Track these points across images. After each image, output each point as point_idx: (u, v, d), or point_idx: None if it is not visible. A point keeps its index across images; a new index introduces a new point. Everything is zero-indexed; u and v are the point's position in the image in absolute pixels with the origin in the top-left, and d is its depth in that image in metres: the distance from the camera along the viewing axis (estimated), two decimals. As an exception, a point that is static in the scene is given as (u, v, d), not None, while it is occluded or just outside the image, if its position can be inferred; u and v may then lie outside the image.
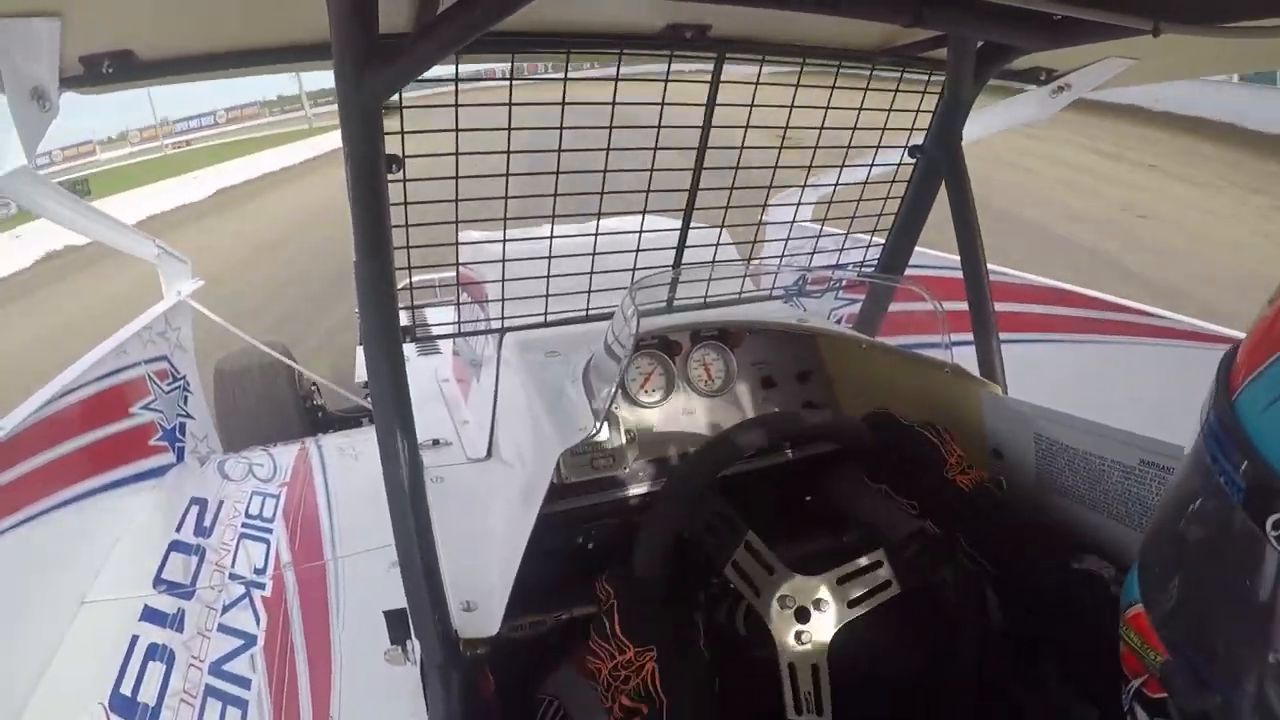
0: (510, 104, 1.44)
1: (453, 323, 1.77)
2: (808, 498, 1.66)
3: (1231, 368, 0.65)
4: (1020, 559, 1.22)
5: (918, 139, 1.83)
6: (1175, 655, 0.67)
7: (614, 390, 1.28)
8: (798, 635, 1.19)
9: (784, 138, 1.68)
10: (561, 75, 1.47)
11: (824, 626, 1.20)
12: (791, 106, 1.64)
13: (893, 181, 1.90)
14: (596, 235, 1.68)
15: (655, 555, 1.25)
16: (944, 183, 1.80)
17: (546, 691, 1.41)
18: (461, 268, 1.76)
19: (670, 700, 1.08)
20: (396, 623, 1.41)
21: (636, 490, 1.57)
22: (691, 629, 1.31)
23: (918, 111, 1.77)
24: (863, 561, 1.25)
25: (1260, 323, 0.63)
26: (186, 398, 2.72)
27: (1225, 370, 0.66)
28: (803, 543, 1.44)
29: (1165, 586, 0.69)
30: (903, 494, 1.35)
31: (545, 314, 1.74)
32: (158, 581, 1.91)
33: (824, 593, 1.22)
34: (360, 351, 2.28)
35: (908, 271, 1.98)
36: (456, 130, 1.42)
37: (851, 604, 1.22)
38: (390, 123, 1.24)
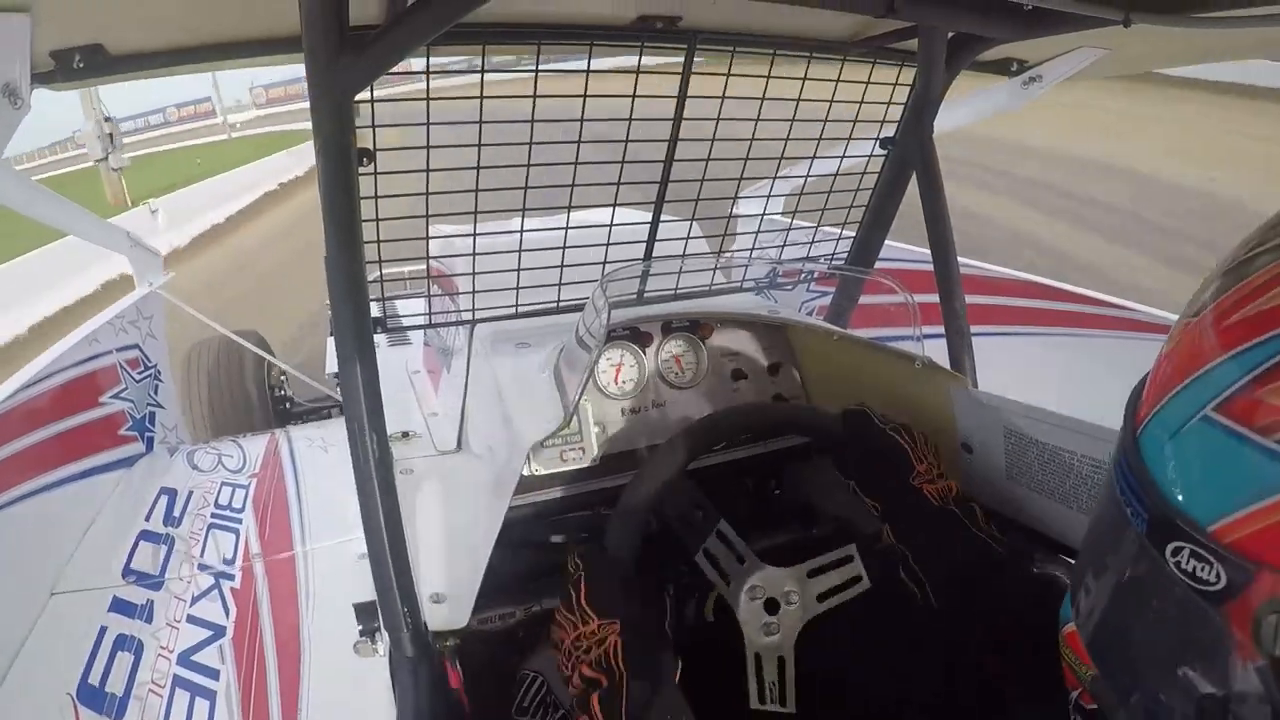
0: (481, 97, 1.43)
1: (424, 314, 1.76)
2: (777, 490, 1.67)
3: (1138, 402, 0.68)
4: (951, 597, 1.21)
5: (889, 131, 1.83)
6: (1101, 670, 0.72)
7: (584, 382, 1.28)
8: (765, 626, 1.21)
9: (755, 130, 1.68)
10: (532, 69, 1.47)
11: (792, 619, 1.22)
12: (763, 98, 1.64)
13: (864, 173, 1.90)
14: (567, 228, 1.67)
15: (628, 534, 1.25)
16: (915, 175, 1.81)
17: (529, 668, 1.43)
18: (432, 260, 1.75)
19: (629, 673, 1.08)
20: (366, 614, 1.42)
21: (606, 482, 1.57)
22: (658, 609, 1.32)
23: (889, 103, 1.77)
24: (833, 556, 1.26)
25: (1160, 359, 0.67)
26: (157, 387, 2.71)
27: (1133, 404, 0.70)
28: (773, 534, 1.46)
29: (1089, 607, 0.73)
30: (868, 493, 1.35)
31: (516, 305, 1.73)
32: (127, 572, 1.90)
33: (793, 585, 1.23)
34: (331, 343, 2.27)
35: (878, 264, 1.99)
36: (428, 124, 1.41)
37: (821, 597, 1.23)
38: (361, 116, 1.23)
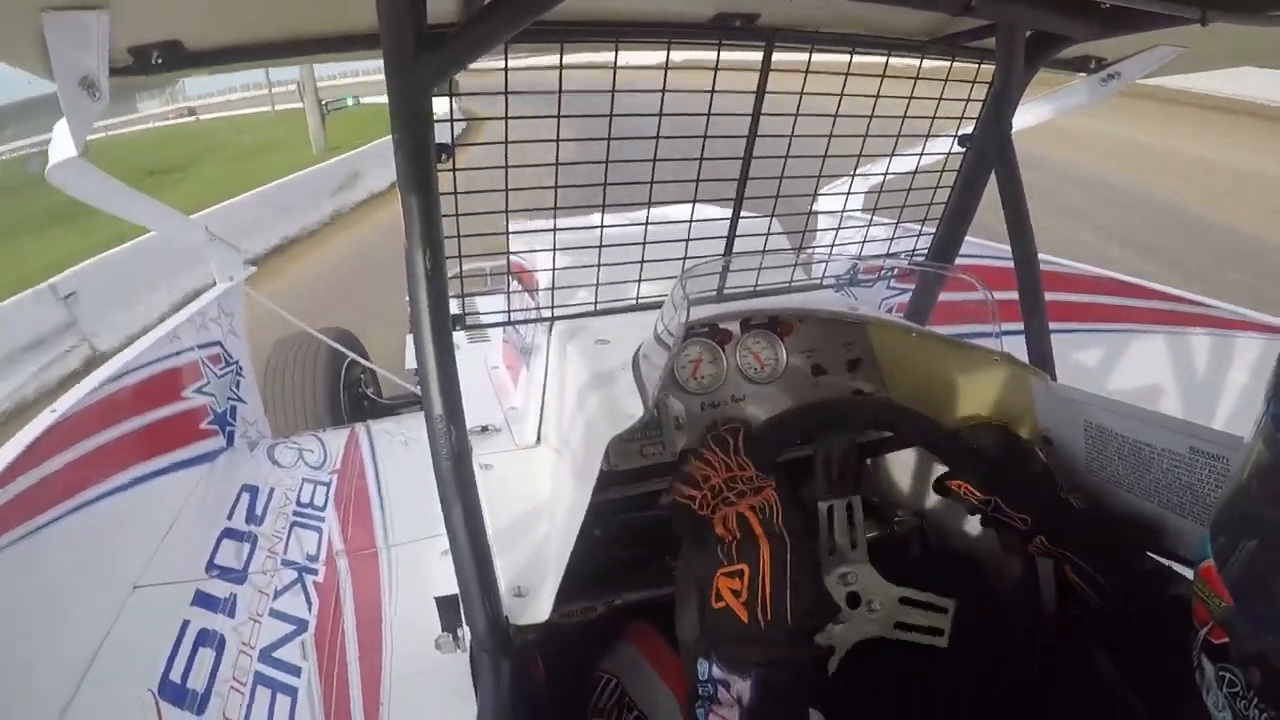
0: (560, 92, 1.44)
1: (503, 310, 1.78)
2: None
3: None
4: (1126, 592, 1.18)
5: (967, 128, 1.82)
6: (1239, 602, 0.72)
7: (663, 377, 1.29)
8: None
9: (833, 126, 1.68)
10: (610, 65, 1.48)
11: (863, 626, 1.21)
12: (841, 95, 1.63)
13: (943, 170, 1.88)
14: (647, 224, 1.68)
15: (785, 434, 1.25)
16: (995, 172, 1.79)
17: (605, 669, 1.41)
18: (512, 256, 1.77)
19: (793, 540, 1.08)
20: (448, 609, 1.43)
21: None
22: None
23: (967, 100, 1.76)
24: (933, 599, 1.25)
25: None
26: (239, 381, 2.76)
27: None
28: (878, 536, 1.44)
29: (1236, 542, 0.74)
30: (1015, 508, 1.30)
31: (595, 302, 1.75)
32: (210, 567, 1.94)
33: (883, 600, 1.22)
34: (410, 339, 2.30)
35: (958, 261, 1.97)
36: (506, 118, 1.43)
37: (898, 626, 1.23)
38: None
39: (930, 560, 1.59)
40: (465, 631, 1.34)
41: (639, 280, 1.74)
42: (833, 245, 2.01)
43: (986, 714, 1.21)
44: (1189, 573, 1.17)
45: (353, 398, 3.67)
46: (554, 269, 1.68)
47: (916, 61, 1.71)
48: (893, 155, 1.88)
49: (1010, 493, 1.28)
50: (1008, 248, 1.74)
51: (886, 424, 1.49)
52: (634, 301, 1.77)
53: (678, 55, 1.52)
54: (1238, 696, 0.72)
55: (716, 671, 1.04)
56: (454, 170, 1.32)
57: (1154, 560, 1.22)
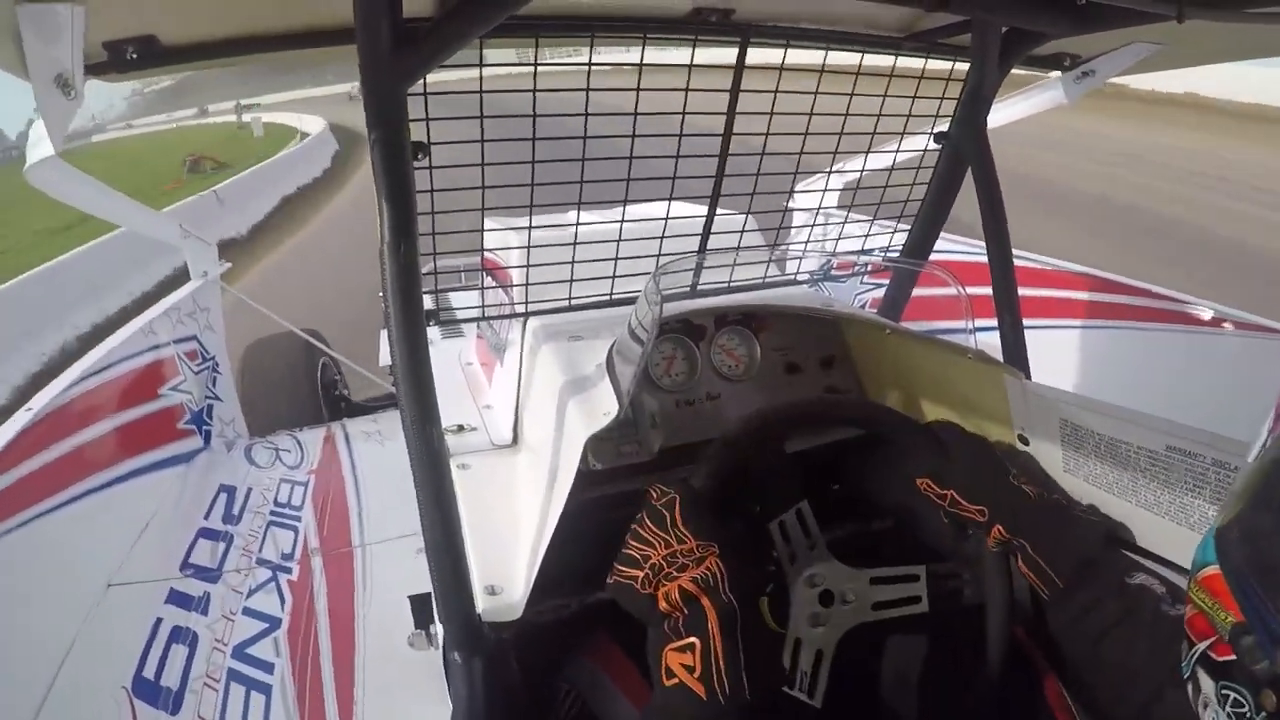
0: (535, 90, 1.44)
1: (477, 306, 1.77)
2: (835, 486, 1.66)
3: None
4: (1081, 579, 1.18)
5: (943, 125, 1.82)
6: (1257, 623, 0.68)
7: (637, 373, 1.29)
8: (814, 616, 1.19)
9: (809, 124, 1.68)
10: (585, 63, 1.48)
11: (842, 619, 1.21)
12: (816, 93, 1.63)
13: (918, 168, 1.89)
14: (622, 221, 1.68)
15: (718, 477, 1.22)
16: (970, 169, 1.80)
17: (565, 680, 1.41)
18: (486, 253, 1.77)
19: (739, 602, 1.06)
20: (421, 607, 1.43)
21: (662, 476, 1.56)
22: (754, 540, 1.30)
23: (942, 98, 1.76)
24: (900, 571, 1.25)
25: None
26: (215, 379, 2.75)
27: None
28: (832, 528, 1.44)
29: (1257, 559, 0.70)
30: (972, 500, 1.29)
31: (569, 298, 1.74)
32: (184, 566, 1.93)
33: (855, 587, 1.22)
34: (384, 335, 2.29)
35: (932, 258, 1.98)
36: (481, 116, 1.42)
37: (876, 606, 1.23)
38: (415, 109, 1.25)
39: (899, 542, 1.59)
40: (438, 629, 1.34)
41: (613, 276, 1.73)
42: (807, 241, 2.02)
43: (977, 659, 1.23)
44: (1166, 571, 1.18)
45: (330, 399, 3.64)
46: (528, 265, 1.67)
47: (891, 58, 1.71)
48: (868, 152, 1.88)
49: (965, 485, 1.29)
50: (983, 243, 1.75)
51: (849, 422, 1.50)
52: (608, 298, 1.77)
53: (652, 55, 1.51)
54: (1244, 717, 0.69)
55: None
56: (429, 167, 1.32)
57: (1110, 549, 1.22)
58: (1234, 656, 0.70)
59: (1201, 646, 0.75)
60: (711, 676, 1.00)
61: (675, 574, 1.09)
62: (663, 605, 1.10)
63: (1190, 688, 0.77)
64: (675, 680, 1.02)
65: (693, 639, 1.03)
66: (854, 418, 1.48)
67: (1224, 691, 0.71)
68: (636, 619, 1.15)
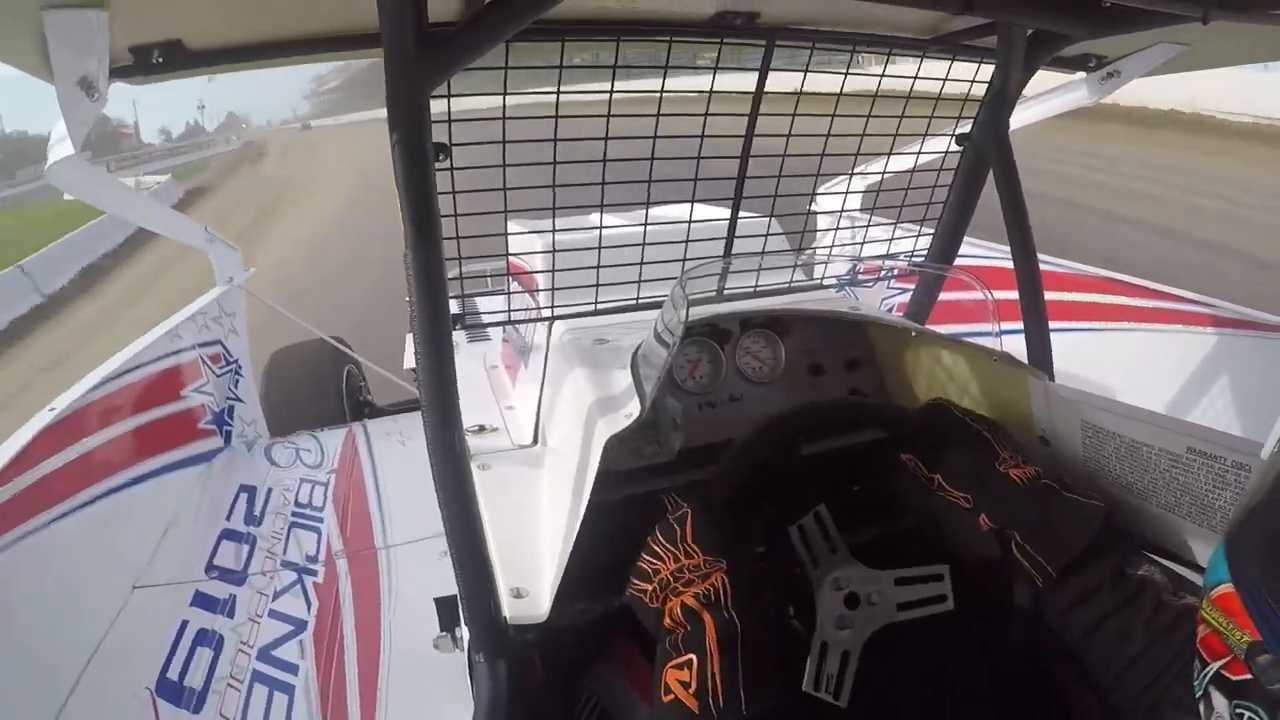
0: (558, 91, 1.44)
1: (503, 310, 1.77)
2: (855, 487, 1.66)
3: None
4: (1076, 565, 1.18)
5: (965, 127, 1.82)
6: (1268, 634, 0.68)
7: (661, 376, 1.29)
8: (840, 619, 1.19)
9: (830, 126, 1.68)
10: (609, 65, 1.47)
11: (869, 620, 1.20)
12: (839, 95, 1.63)
13: (940, 170, 1.88)
14: (646, 224, 1.68)
15: (735, 484, 1.24)
16: (993, 171, 1.79)
17: (585, 687, 1.41)
18: (511, 256, 1.77)
19: (741, 619, 1.06)
20: (446, 609, 1.43)
21: (683, 478, 1.56)
22: (761, 557, 1.31)
23: (965, 100, 1.76)
24: (924, 570, 1.25)
25: None
26: (238, 381, 2.77)
27: None
28: (856, 531, 1.44)
29: (1268, 564, 0.70)
30: (955, 486, 1.31)
31: (595, 302, 1.74)
32: (210, 568, 1.94)
33: (879, 588, 1.22)
34: (409, 339, 2.30)
35: (957, 261, 1.97)
36: (504, 119, 1.42)
37: (902, 606, 1.22)
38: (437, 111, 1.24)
39: (922, 541, 1.60)
40: (463, 632, 1.34)
41: (639, 281, 1.73)
42: (832, 245, 2.01)
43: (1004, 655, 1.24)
44: (1184, 571, 1.18)
45: (354, 405, 3.65)
46: (554, 269, 1.67)
47: (914, 61, 1.70)
48: (890, 154, 1.88)
49: (950, 471, 1.30)
50: (1007, 247, 1.74)
51: (859, 422, 1.50)
52: (633, 301, 1.76)
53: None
54: None
55: None
56: (451, 170, 1.32)
57: (1109, 537, 1.20)
58: (1249, 675, 0.70)
59: (1215, 666, 0.75)
60: (706, 692, 1.01)
61: (681, 589, 1.11)
62: (667, 620, 1.12)
63: (1202, 707, 0.77)
64: (671, 696, 1.04)
65: (690, 655, 1.04)
66: (860, 418, 1.49)
67: (1238, 710, 0.71)
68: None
